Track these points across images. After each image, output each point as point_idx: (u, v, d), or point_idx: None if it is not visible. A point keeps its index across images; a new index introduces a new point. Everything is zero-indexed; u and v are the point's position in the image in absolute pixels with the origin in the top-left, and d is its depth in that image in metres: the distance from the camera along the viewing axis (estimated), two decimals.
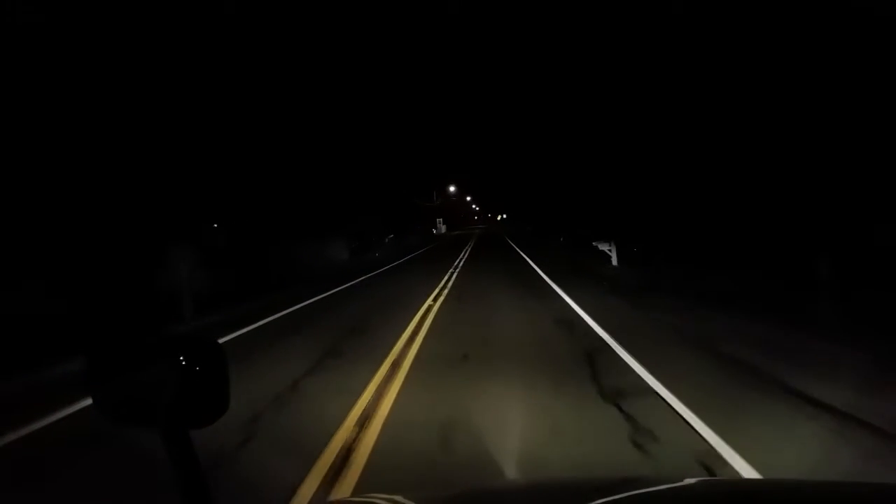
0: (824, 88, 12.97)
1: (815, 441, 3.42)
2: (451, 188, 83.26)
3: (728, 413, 3.90)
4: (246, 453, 3.57)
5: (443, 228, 70.80)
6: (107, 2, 13.90)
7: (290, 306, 10.55)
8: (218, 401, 0.89)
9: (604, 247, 17.07)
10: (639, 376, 5.00)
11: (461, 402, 4.42)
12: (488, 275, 15.41)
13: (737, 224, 16.46)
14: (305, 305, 10.90)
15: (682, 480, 1.51)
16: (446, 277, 14.82)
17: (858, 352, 5.45)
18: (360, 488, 3.07)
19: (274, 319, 9.32)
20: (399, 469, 3.28)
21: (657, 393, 4.45)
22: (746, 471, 3.07)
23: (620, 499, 1.18)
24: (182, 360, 0.88)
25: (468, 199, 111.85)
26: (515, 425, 3.84)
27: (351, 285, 14.36)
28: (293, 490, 3.02)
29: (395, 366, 5.65)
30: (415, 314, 8.84)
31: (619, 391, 4.51)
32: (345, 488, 3.06)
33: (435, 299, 10.59)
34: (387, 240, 34.38)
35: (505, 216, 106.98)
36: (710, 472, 3.07)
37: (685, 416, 3.89)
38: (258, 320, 9.07)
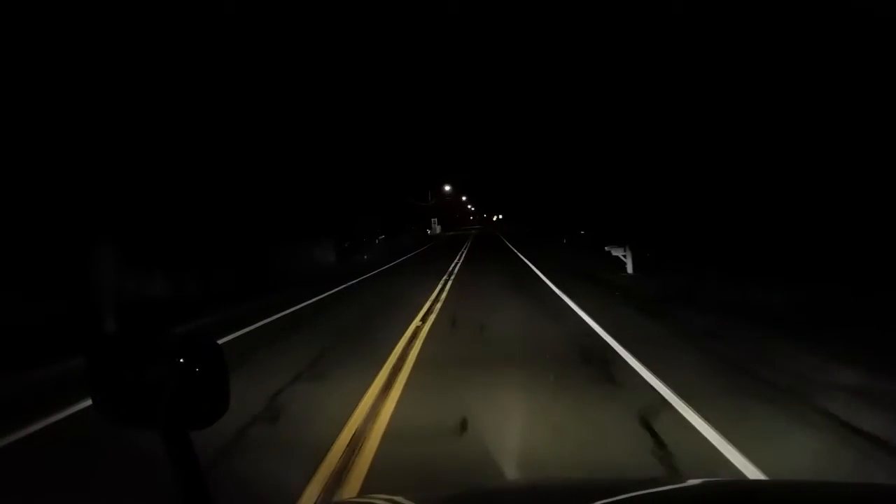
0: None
1: None
2: (447, 187, 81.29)
3: None
4: None
5: (437, 229, 68.81)
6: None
7: (237, 329, 8.41)
8: (218, 401, 0.89)
9: (617, 251, 15.17)
10: (718, 451, 3.22)
11: None
12: (488, 284, 13.47)
13: (770, 224, 14.66)
14: (256, 329, 8.76)
15: (684, 481, 1.66)
16: (439, 287, 12.88)
17: None
18: None
19: None
20: None
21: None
22: None
23: (623, 499, 1.15)
24: (181, 360, 0.88)
25: (464, 198, 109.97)
26: None
27: (327, 296, 12.36)
28: None
29: (354, 451, 3.64)
30: (398, 341, 6.87)
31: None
32: None
33: (424, 319, 8.62)
34: (377, 241, 32.36)
35: (501, 217, 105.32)
36: None
37: None
38: None
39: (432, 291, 11.97)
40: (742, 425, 3.71)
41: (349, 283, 14.85)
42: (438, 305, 10.02)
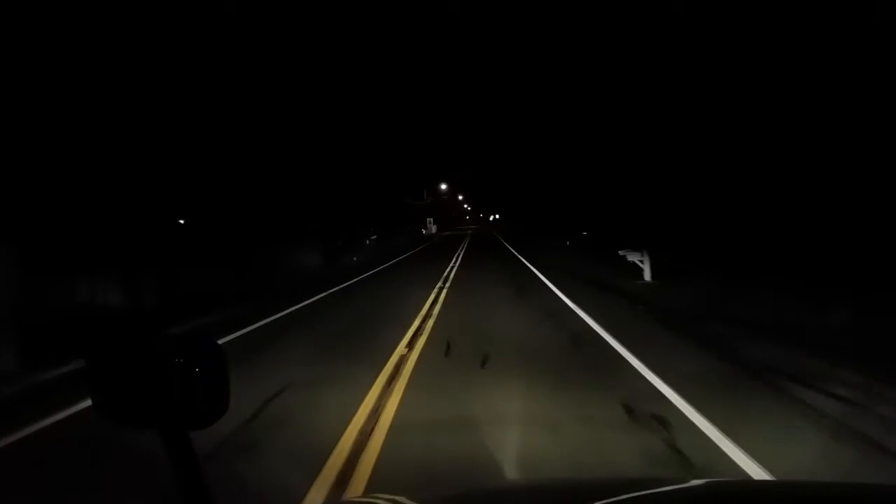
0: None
1: None
2: (443, 186, 79.43)
3: None
4: None
5: (433, 228, 67.00)
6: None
7: None
8: (218, 401, 0.88)
9: (633, 256, 13.48)
10: None
11: None
12: (488, 294, 11.76)
13: (798, 224, 13.04)
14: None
15: (687, 481, 1.62)
16: (432, 296, 11.16)
17: None
18: None
19: None
20: None
21: None
22: None
23: (624, 499, 1.14)
24: (181, 361, 0.87)
25: (460, 198, 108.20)
26: None
27: (298, 309, 10.51)
28: None
29: None
30: (370, 387, 5.13)
31: None
32: None
33: (411, 344, 6.89)
34: (368, 241, 30.54)
35: (497, 216, 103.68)
36: None
37: None
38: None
39: (424, 303, 10.26)
40: None
41: (331, 290, 13.09)
42: (430, 322, 8.30)
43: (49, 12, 12.81)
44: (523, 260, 20.27)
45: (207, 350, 0.90)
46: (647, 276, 13.16)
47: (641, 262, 13.35)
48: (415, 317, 8.71)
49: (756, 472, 3.10)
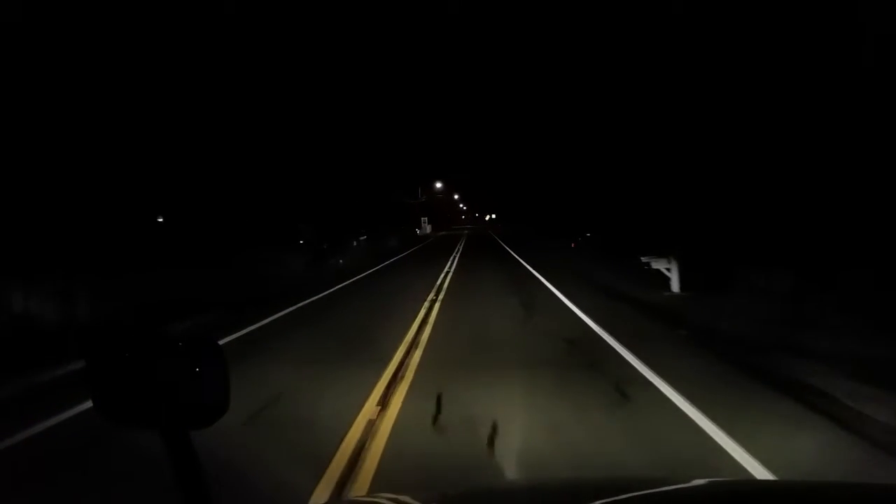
0: None
1: None
2: (438, 184, 77.20)
3: None
4: None
5: (428, 228, 64.90)
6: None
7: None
8: (218, 401, 0.87)
9: (659, 264, 11.48)
10: None
11: None
12: (489, 309, 9.76)
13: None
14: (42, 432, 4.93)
15: (687, 481, 1.48)
16: (421, 315, 9.14)
17: None
18: None
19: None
20: None
21: None
22: None
23: (625, 499, 1.13)
24: (181, 360, 0.88)
25: (455, 197, 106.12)
26: None
27: (248, 334, 8.44)
28: None
29: None
30: (321, 477, 3.16)
31: None
32: None
33: (385, 399, 4.82)
34: (356, 242, 28.37)
35: (493, 216, 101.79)
36: None
37: None
38: None
39: (410, 324, 8.24)
40: None
41: (299, 305, 11.01)
42: (416, 357, 6.28)
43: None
44: (526, 265, 18.24)
45: (207, 350, 0.89)
46: (675, 286, 11.18)
47: (668, 270, 11.37)
48: (395, 349, 6.67)
49: None
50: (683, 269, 11.30)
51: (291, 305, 10.65)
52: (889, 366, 4.98)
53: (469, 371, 5.65)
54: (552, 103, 37.19)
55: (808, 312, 7.86)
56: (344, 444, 3.79)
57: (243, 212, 24.94)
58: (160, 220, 27.03)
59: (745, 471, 3.26)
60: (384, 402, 4.70)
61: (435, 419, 4.28)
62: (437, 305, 10.08)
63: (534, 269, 16.56)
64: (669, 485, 1.43)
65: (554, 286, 12.25)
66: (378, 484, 3.21)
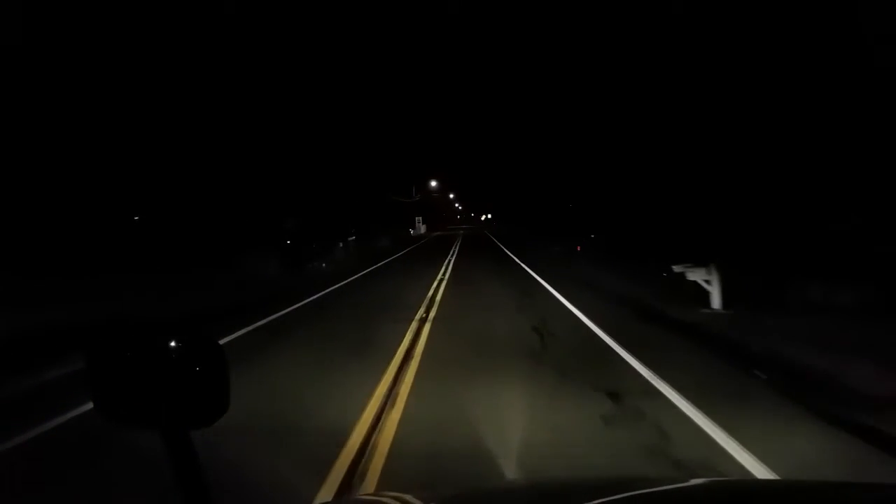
0: None
1: None
2: (433, 183, 75.10)
3: None
4: None
5: (422, 228, 62.90)
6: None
7: None
8: (218, 401, 0.86)
9: (696, 275, 9.53)
10: None
11: None
12: (493, 335, 7.77)
13: None
14: None
15: (687, 481, 1.48)
16: (408, 339, 7.16)
17: None
18: None
19: None
20: None
21: None
22: None
23: (625, 498, 1.11)
24: (181, 360, 0.87)
25: (451, 196, 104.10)
26: None
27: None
28: None
29: None
30: None
31: None
32: None
33: (345, 488, 2.91)
34: (342, 244, 26.28)
35: (490, 216, 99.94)
36: None
37: None
38: None
39: (394, 353, 6.26)
40: None
41: (264, 321, 9.03)
42: (398, 410, 4.31)
43: None
44: (529, 271, 16.26)
45: (207, 350, 0.88)
46: (717, 301, 9.25)
47: (707, 282, 9.44)
48: (371, 393, 4.69)
49: None
50: (725, 281, 9.39)
51: (235, 331, 8.15)
52: None
53: (467, 436, 3.64)
54: (551, 100, 35.65)
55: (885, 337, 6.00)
56: None
57: (227, 209, 23.03)
58: (136, 218, 25.02)
59: None
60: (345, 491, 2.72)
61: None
62: (426, 328, 8.05)
63: (539, 276, 14.59)
64: (669, 484, 1.40)
65: (571, 303, 10.22)
66: None
